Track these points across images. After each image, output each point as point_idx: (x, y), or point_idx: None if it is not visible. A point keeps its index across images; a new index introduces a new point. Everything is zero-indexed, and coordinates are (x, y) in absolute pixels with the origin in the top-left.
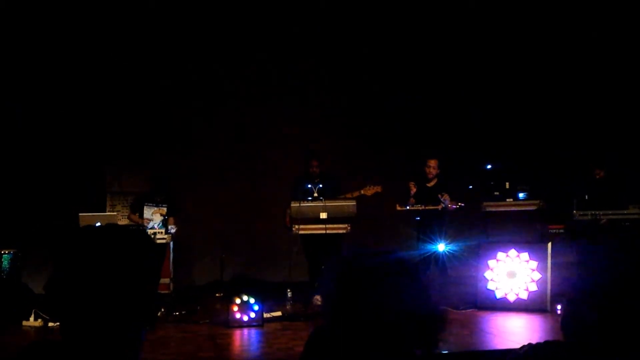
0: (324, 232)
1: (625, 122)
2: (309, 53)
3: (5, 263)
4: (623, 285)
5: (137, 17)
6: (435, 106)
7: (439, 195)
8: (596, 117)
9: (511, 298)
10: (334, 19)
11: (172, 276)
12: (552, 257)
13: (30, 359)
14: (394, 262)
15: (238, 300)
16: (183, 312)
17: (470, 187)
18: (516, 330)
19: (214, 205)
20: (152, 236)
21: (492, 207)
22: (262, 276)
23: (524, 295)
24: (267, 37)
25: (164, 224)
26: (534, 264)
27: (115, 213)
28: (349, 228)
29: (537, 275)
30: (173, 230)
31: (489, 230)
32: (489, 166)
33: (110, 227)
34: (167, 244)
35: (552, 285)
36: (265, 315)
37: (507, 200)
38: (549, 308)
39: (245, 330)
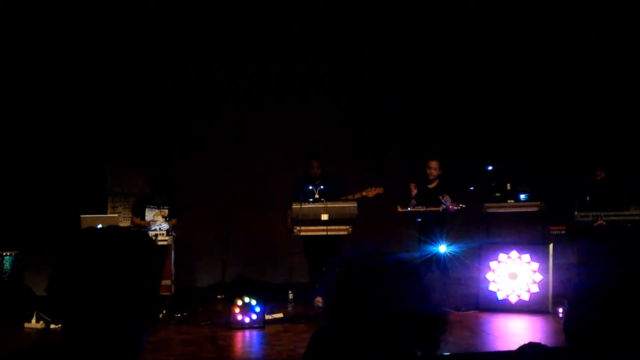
0: (325, 233)
1: (625, 122)
2: (309, 53)
3: (6, 265)
4: (624, 285)
5: (137, 17)
6: (436, 106)
7: (440, 197)
8: (596, 118)
9: (513, 299)
10: (334, 19)
11: (173, 278)
12: (553, 258)
13: None
14: (394, 264)
15: (240, 302)
16: (184, 314)
17: (472, 188)
18: (518, 331)
19: (215, 207)
20: (154, 238)
21: (493, 209)
22: (263, 277)
23: (525, 297)
24: (267, 37)
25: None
26: (535, 265)
27: (116, 215)
28: (350, 229)
29: (539, 277)
30: (168, 228)
31: (490, 232)
32: (490, 167)
33: (112, 229)
34: (168, 246)
35: (553, 286)
36: (267, 316)
37: (509, 201)
38: (550, 309)
39: (247, 332)
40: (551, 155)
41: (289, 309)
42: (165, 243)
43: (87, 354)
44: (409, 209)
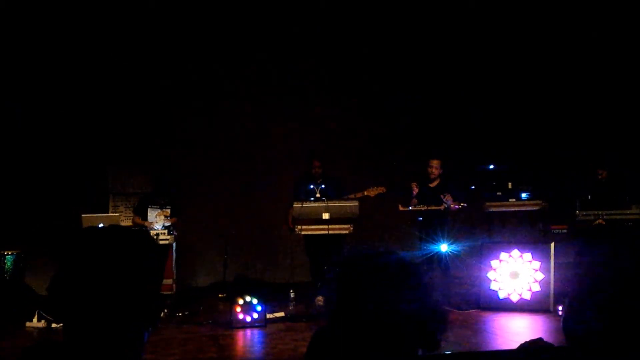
0: (326, 232)
1: (625, 122)
2: (309, 53)
3: (8, 264)
4: (623, 285)
5: (137, 17)
6: (436, 106)
7: (442, 196)
8: (597, 118)
9: (514, 298)
10: (334, 19)
11: (174, 277)
12: (555, 257)
13: None
14: (395, 263)
15: (241, 301)
16: (186, 313)
17: (473, 187)
18: (519, 330)
19: (215, 206)
20: (155, 237)
21: (494, 208)
22: (265, 277)
23: (527, 296)
24: (267, 37)
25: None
26: (536, 264)
27: (118, 214)
28: (351, 228)
29: (540, 276)
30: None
31: (491, 231)
32: (491, 166)
33: (113, 228)
34: (169, 245)
35: (555, 285)
36: (268, 315)
37: (510, 200)
38: (552, 308)
39: (248, 331)
40: (552, 155)
41: (290, 308)
42: (166, 242)
43: (88, 353)
44: (410, 208)
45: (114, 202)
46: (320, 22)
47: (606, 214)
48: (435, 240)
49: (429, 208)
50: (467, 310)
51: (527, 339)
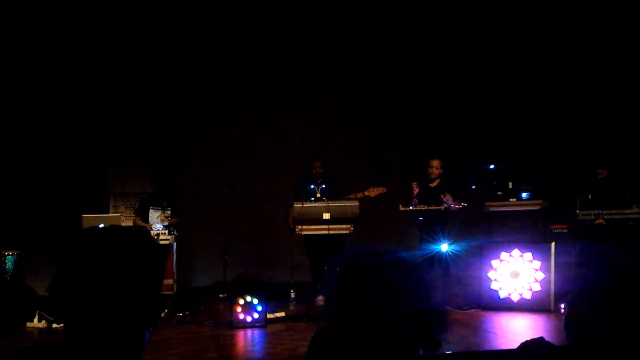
0: (327, 232)
1: (625, 122)
2: (309, 53)
3: (9, 264)
4: (625, 284)
5: (137, 17)
6: (436, 106)
7: (442, 196)
8: (597, 118)
9: (515, 298)
10: (334, 19)
11: (175, 277)
12: (555, 257)
13: None
14: (396, 263)
15: (241, 301)
16: (186, 313)
17: (473, 187)
18: (520, 330)
19: (216, 206)
20: (155, 237)
21: (495, 207)
22: (265, 277)
23: (527, 295)
24: (267, 37)
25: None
26: (537, 263)
27: (118, 214)
28: (351, 228)
29: (541, 275)
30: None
31: (492, 230)
32: (491, 166)
33: (113, 229)
34: (170, 245)
35: (555, 285)
36: (269, 315)
37: (510, 200)
38: (552, 308)
39: (249, 331)
40: (552, 155)
41: (291, 308)
42: (166, 242)
43: (89, 353)
44: (411, 207)
45: (114, 202)
46: (320, 22)
47: (606, 214)
48: (436, 240)
49: (430, 208)
50: (467, 309)
51: (528, 339)
